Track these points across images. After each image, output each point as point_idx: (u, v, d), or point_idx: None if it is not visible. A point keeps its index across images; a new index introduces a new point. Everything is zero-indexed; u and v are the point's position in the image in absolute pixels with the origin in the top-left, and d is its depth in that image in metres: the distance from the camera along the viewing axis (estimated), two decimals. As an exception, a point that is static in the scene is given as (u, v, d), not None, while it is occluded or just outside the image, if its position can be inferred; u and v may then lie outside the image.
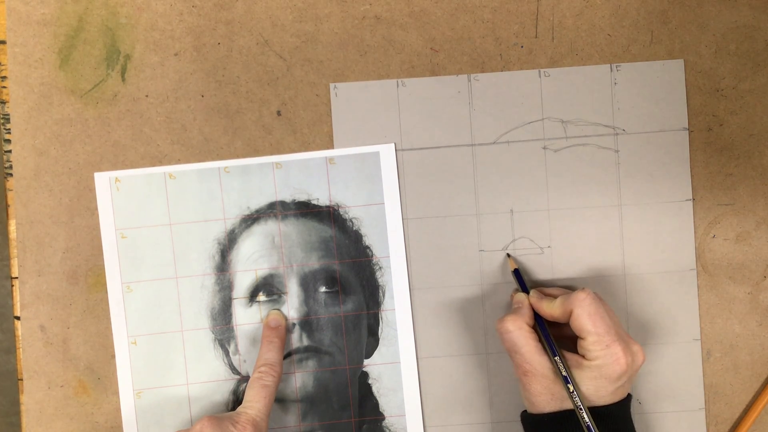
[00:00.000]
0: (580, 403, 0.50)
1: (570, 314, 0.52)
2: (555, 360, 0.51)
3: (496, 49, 0.59)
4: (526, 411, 0.54)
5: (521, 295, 0.56)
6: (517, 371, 0.53)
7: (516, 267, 0.58)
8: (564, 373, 0.51)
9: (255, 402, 0.53)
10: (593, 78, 0.58)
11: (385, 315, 0.59)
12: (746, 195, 0.59)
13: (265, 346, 0.56)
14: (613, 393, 0.51)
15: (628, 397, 0.53)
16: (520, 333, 0.53)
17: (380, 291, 0.59)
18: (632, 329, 0.59)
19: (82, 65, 0.58)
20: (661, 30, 0.59)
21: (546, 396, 0.52)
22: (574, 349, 0.53)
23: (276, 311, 0.58)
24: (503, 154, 0.59)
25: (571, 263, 0.59)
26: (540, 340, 0.53)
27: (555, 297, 0.54)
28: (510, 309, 0.58)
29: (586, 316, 0.51)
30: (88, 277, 0.59)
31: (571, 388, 0.50)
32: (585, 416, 0.49)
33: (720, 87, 0.59)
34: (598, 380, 0.51)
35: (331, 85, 0.58)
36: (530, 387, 0.52)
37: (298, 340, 0.59)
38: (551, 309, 0.53)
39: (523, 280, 0.57)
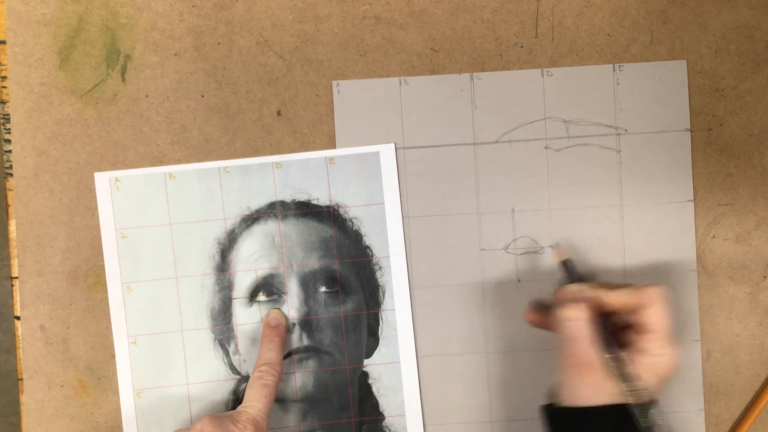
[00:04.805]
0: (642, 401, 0.49)
1: (637, 305, 0.51)
2: (617, 356, 0.50)
3: (496, 49, 0.59)
4: (551, 405, 0.53)
5: (581, 286, 0.54)
6: (568, 361, 0.51)
7: (567, 257, 0.56)
8: (625, 370, 0.50)
9: (255, 401, 0.53)
10: (596, 78, 0.58)
11: (385, 315, 0.59)
12: (746, 195, 0.59)
13: (265, 346, 0.56)
14: (653, 392, 0.50)
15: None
16: (583, 323, 0.51)
17: (380, 291, 0.59)
18: (632, 329, 0.59)
19: (82, 65, 0.58)
20: (661, 30, 0.59)
21: (594, 389, 0.50)
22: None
23: (276, 310, 0.58)
24: (505, 153, 0.59)
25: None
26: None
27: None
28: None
29: (661, 312, 0.50)
30: (88, 277, 0.58)
31: (628, 387, 0.49)
32: (647, 414, 0.49)
33: (720, 87, 0.59)
34: (647, 379, 0.50)
35: (334, 83, 0.58)
36: (582, 379, 0.51)
37: (298, 340, 0.58)
38: (616, 297, 0.52)
39: (577, 271, 0.55)
